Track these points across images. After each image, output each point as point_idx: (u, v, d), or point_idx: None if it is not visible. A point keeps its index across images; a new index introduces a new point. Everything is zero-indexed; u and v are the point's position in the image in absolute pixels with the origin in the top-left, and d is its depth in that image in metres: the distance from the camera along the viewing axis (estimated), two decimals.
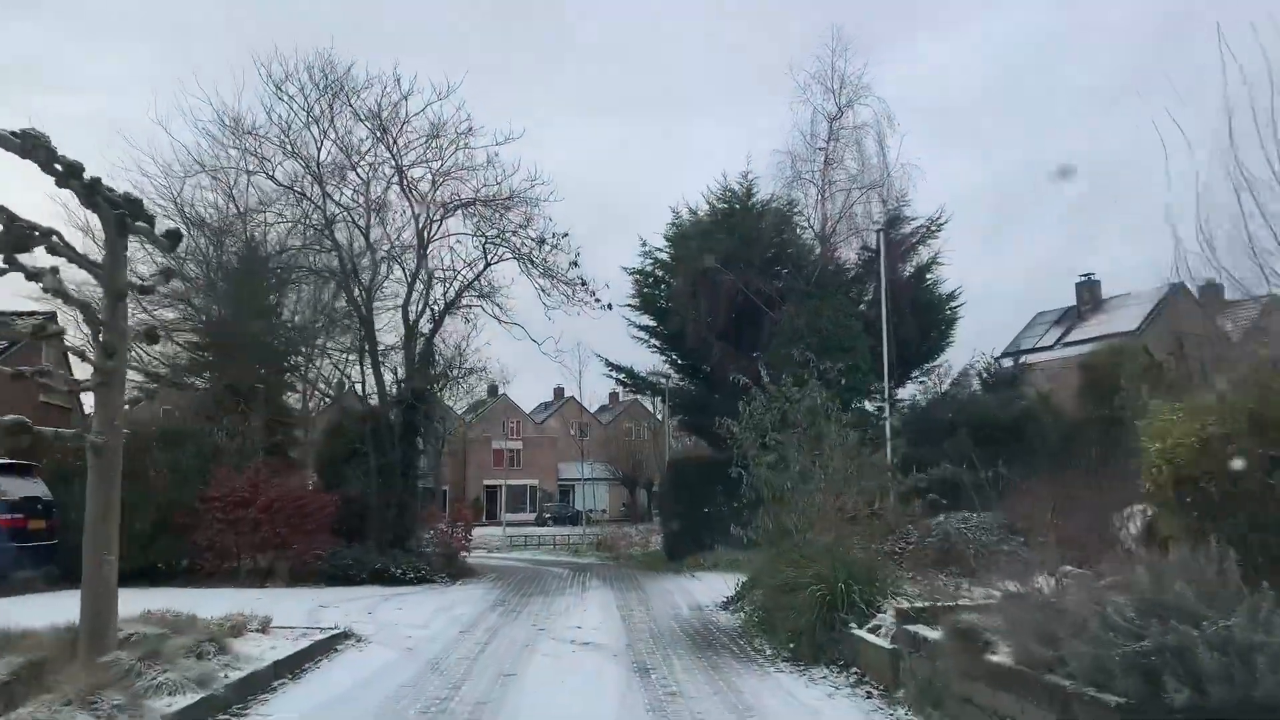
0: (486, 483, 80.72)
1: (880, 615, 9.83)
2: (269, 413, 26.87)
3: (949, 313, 29.06)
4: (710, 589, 18.29)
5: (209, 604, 11.65)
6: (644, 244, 30.98)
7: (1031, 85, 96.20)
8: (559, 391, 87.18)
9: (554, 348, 22.20)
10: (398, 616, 14.42)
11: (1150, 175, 28.68)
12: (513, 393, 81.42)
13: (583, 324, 74.66)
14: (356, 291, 23.40)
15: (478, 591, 18.77)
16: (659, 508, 28.01)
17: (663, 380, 29.40)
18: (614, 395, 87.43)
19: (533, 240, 23.15)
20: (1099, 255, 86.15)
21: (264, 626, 10.76)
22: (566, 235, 22.95)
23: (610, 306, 24.32)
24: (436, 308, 24.02)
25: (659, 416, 78.58)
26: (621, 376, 31.98)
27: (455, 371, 23.53)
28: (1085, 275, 46.62)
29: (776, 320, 26.54)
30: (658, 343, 31.21)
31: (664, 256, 30.51)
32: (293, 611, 14.24)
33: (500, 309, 24.72)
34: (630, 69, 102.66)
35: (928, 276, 29.34)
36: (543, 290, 24.41)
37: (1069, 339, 43.19)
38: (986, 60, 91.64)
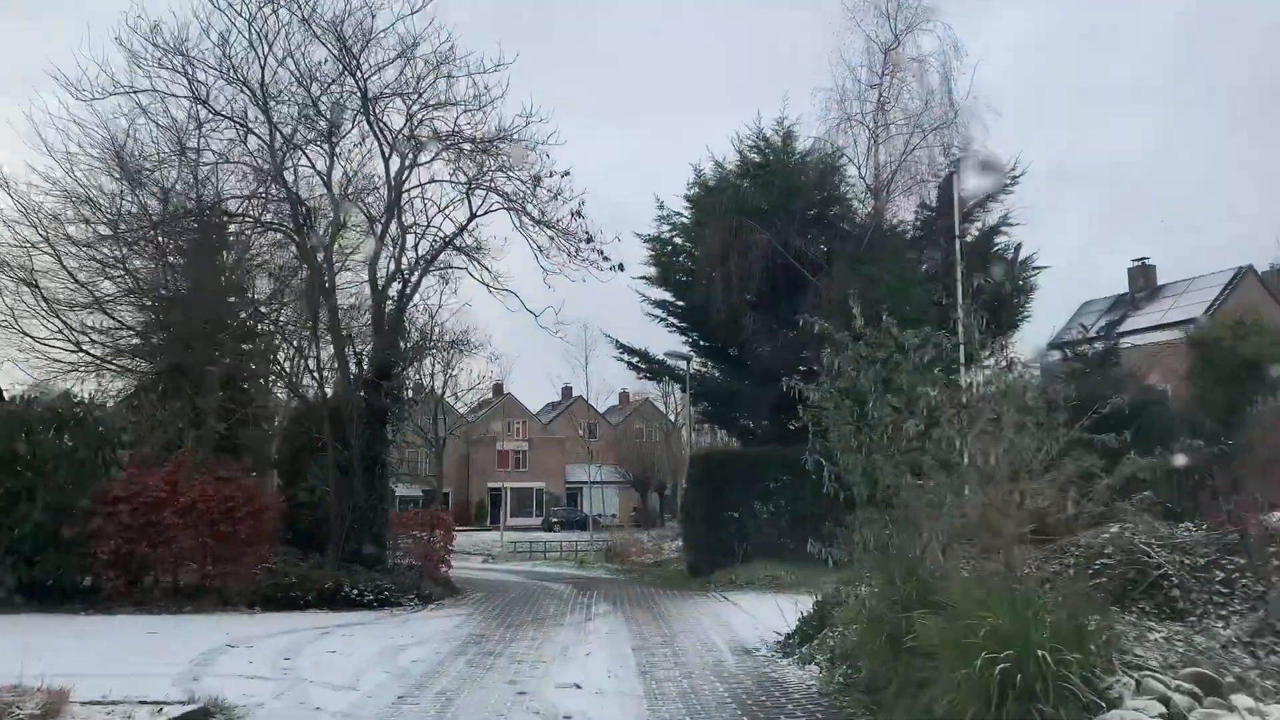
0: (490, 485, 76.91)
1: (1119, 707, 5.46)
2: (226, 399, 22.76)
3: (1025, 282, 24.60)
4: (754, 619, 13.98)
5: (65, 646, 7.57)
6: (660, 206, 26.69)
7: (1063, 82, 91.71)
8: (567, 391, 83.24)
9: (554, 320, 17.83)
10: (322, 667, 10.11)
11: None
12: (519, 392, 77.71)
13: (589, 298, 70.07)
14: (314, 247, 19.18)
15: (449, 623, 14.44)
16: (683, 512, 23.52)
17: (683, 364, 24.97)
18: (624, 395, 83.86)
19: (526, 183, 18.85)
20: (1134, 246, 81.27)
21: (50, 710, 6.44)
22: (568, 174, 18.64)
23: (621, 267, 19.99)
24: (410, 267, 19.76)
25: (673, 417, 74.37)
26: (635, 360, 27.62)
27: (431, 343, 19.21)
28: (1139, 259, 41.63)
29: (821, 289, 22.14)
30: (677, 321, 26.89)
31: (685, 219, 26.16)
32: (175, 657, 10.06)
33: (489, 273, 20.44)
34: (642, 69, 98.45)
35: (996, 240, 24.92)
36: (539, 250, 20.10)
37: (1130, 326, 38.52)
38: (1033, 39, 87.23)
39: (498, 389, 77.48)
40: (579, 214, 19.18)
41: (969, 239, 24.35)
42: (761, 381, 23.81)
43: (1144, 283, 41.48)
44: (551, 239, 19.49)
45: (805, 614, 11.77)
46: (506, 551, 36.14)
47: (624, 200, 43.69)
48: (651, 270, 27.18)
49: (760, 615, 14.52)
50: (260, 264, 22.37)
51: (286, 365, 22.49)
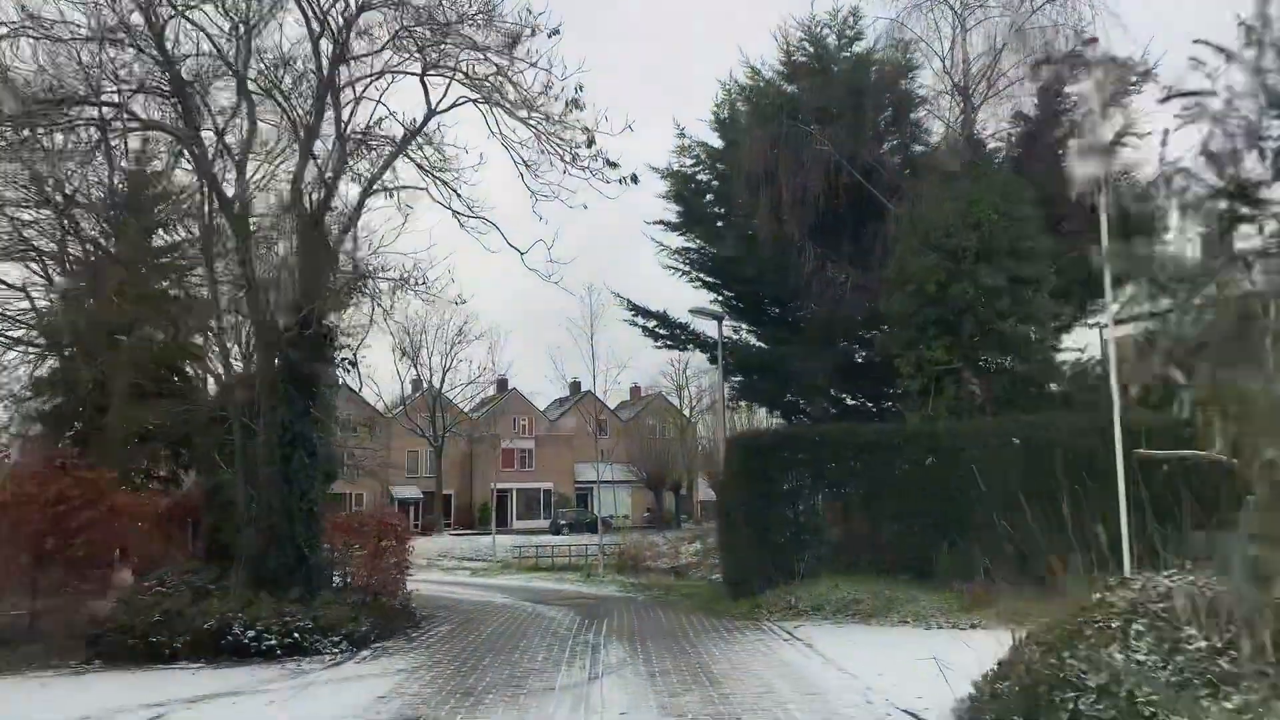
0: (496, 486, 72.14)
1: None
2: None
3: (1154, 210, 19.13)
4: (853, 676, 8.92)
5: None
6: (681, 132, 21.39)
7: None
8: (575, 385, 78.41)
9: (546, 261, 12.25)
10: None
11: None
12: (524, 387, 73.10)
13: (594, 255, 64.05)
14: (211, 158, 13.99)
15: (374, 689, 9.12)
16: (719, 513, 18.07)
17: (712, 325, 19.44)
18: (635, 389, 79.33)
19: (500, 55, 13.57)
20: None
21: None
22: (557, 33, 13.24)
23: (635, 179, 14.51)
24: (368, 184, 14.54)
25: (688, 412, 69.32)
26: (652, 325, 22.26)
27: (372, 281, 13.90)
28: None
29: (901, 216, 16.78)
30: (704, 275, 21.57)
31: (713, 146, 20.83)
32: None
33: (458, 197, 15.21)
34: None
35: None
36: (525, 165, 14.83)
37: None
38: None
39: (502, 384, 72.97)
40: (576, 101, 13.87)
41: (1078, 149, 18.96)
42: (818, 343, 18.50)
43: None
44: (539, 137, 14.21)
45: (990, 673, 6.50)
46: (499, 563, 30.79)
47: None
48: (670, 216, 21.92)
49: (859, 668, 9.30)
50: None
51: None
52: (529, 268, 15.46)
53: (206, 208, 13.94)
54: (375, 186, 14.91)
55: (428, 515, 67.89)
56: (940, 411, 16.05)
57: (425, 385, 66.73)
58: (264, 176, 15.46)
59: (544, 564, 32.63)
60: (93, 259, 18.28)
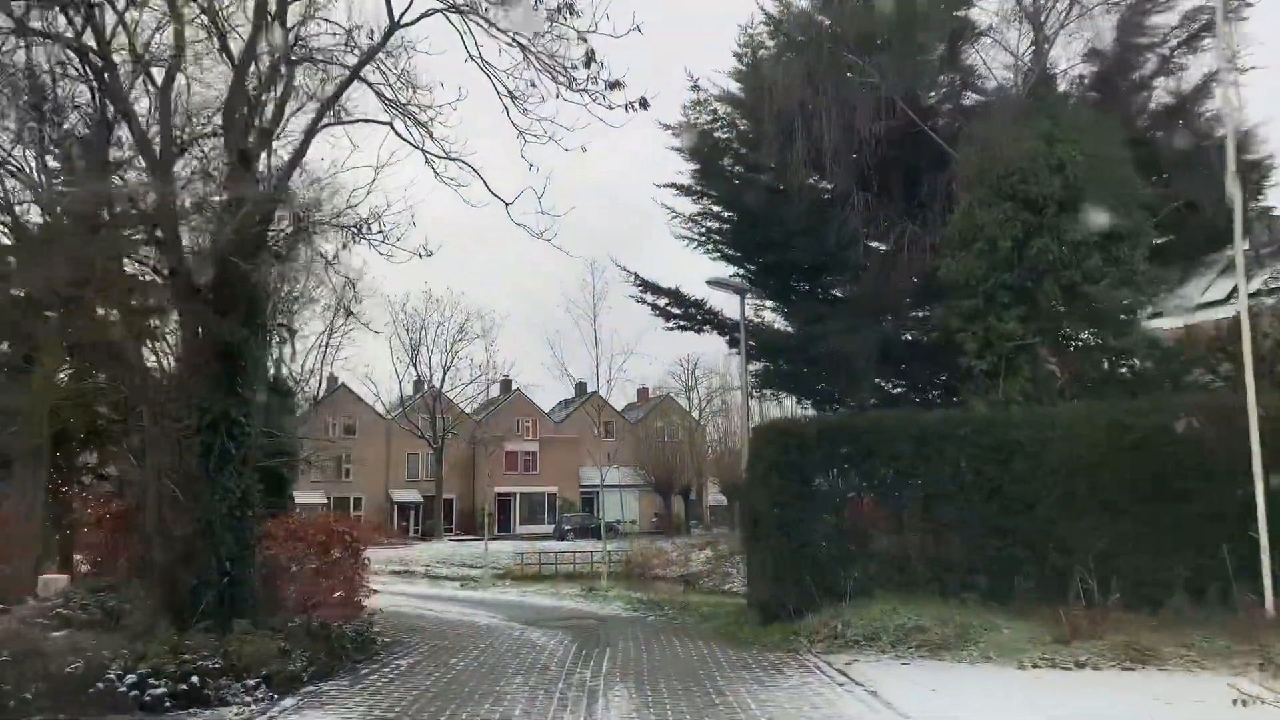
0: (498, 490, 70.00)
1: None
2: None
3: (1263, 160, 16.36)
4: None
5: None
6: (694, 84, 18.62)
7: None
8: (580, 387, 76.02)
9: (538, 218, 9.29)
10: None
11: None
12: (523, 379, 70.96)
13: (600, 232, 61.11)
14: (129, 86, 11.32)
15: None
16: (744, 518, 15.12)
17: (735, 295, 16.58)
18: (642, 391, 77.29)
19: None
20: None
21: None
22: None
23: (645, 103, 11.73)
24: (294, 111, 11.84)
25: (696, 414, 66.58)
26: (664, 303, 19.49)
27: (315, 230, 11.06)
28: None
29: (963, 163, 13.98)
30: (724, 244, 18.81)
31: (736, 94, 18.07)
32: None
33: (429, 134, 12.45)
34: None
35: (1200, 109, 16.70)
36: (511, 97, 12.08)
37: None
38: None
39: (505, 385, 70.79)
40: (569, 7, 11.10)
41: (1157, 106, 16.21)
42: (865, 317, 15.71)
43: None
44: (526, 55, 11.47)
45: None
46: (496, 571, 28.08)
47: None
48: (683, 179, 19.18)
49: None
50: None
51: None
52: (516, 222, 12.72)
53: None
54: (326, 120, 12.20)
55: (428, 520, 65.63)
56: (1011, 396, 13.27)
57: (425, 386, 64.43)
58: (190, 106, 12.69)
59: (547, 572, 30.23)
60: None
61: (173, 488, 10.72)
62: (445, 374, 64.07)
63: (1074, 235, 12.36)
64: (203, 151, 11.72)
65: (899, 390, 17.98)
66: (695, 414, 68.38)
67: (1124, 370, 13.14)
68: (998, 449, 12.11)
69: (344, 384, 62.30)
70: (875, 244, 14.99)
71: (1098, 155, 12.80)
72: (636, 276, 19.32)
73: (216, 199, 10.76)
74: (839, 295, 17.38)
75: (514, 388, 71.89)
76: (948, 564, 12.35)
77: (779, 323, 19.52)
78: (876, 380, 17.30)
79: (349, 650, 11.08)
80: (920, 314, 16.50)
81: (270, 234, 10.83)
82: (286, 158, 12.02)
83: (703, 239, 18.83)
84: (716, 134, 18.88)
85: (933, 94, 15.40)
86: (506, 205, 12.65)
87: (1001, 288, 13.07)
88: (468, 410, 66.61)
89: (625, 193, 74.14)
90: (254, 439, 11.37)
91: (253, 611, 10.73)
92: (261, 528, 12.01)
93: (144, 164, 11.21)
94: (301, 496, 56.42)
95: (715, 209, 18.80)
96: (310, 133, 12.04)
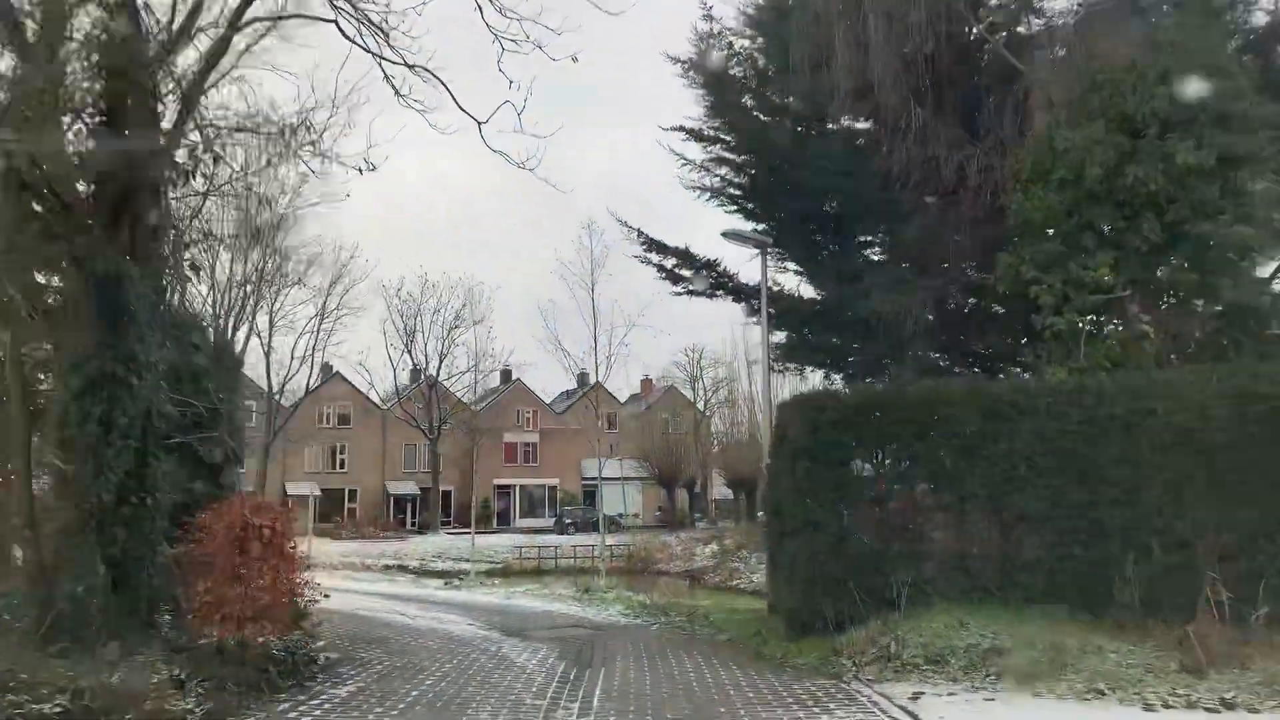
0: (497, 483, 68.24)
1: None
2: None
3: None
4: None
5: None
6: (707, 15, 16.16)
7: None
8: (582, 378, 73.82)
9: (523, 150, 6.86)
10: None
11: None
12: (528, 380, 68.66)
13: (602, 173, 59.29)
14: None
15: None
16: (768, 510, 12.50)
17: (754, 250, 14.13)
18: (646, 381, 75.23)
19: None
20: None
21: None
22: None
23: None
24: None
25: (701, 404, 64.26)
26: (672, 264, 17.06)
27: (218, 128, 8.70)
28: None
29: (1038, 83, 11.52)
30: (742, 196, 16.37)
31: (757, 16, 15.60)
32: None
33: (385, 38, 10.08)
34: None
35: None
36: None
37: None
38: None
39: (505, 375, 68.83)
40: None
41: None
42: (911, 272, 13.28)
43: None
44: None
45: None
46: (487, 566, 25.81)
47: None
48: (691, 122, 16.76)
49: None
50: None
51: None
52: (493, 150, 10.56)
53: None
54: (253, 14, 9.78)
55: (425, 512, 63.72)
56: (1098, 360, 10.86)
57: (421, 375, 62.29)
58: None
59: (546, 567, 28.48)
60: None
61: (56, 469, 8.42)
62: (441, 362, 61.78)
63: (1188, 159, 9.91)
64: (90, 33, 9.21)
65: (946, 364, 15.60)
66: (700, 405, 66.61)
67: (1236, 333, 10.71)
68: (1089, 423, 9.71)
69: (338, 372, 60.16)
70: (925, 185, 12.59)
71: (1210, 65, 10.36)
72: (640, 233, 16.97)
73: (98, 88, 8.33)
74: (876, 255, 14.95)
75: (514, 377, 69.91)
76: (1024, 565, 9.97)
77: (803, 289, 17.14)
78: (921, 350, 14.86)
79: (272, 676, 8.70)
80: (971, 270, 14.02)
81: (166, 137, 8.42)
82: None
83: (715, 190, 16.44)
84: (733, 69, 16.46)
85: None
86: (480, 124, 10.44)
87: (1086, 227, 10.65)
88: (466, 400, 64.48)
89: (624, 180, 71.98)
90: (156, 407, 8.98)
91: (145, 627, 8.37)
92: (195, 520, 9.65)
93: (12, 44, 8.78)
94: (293, 488, 54.39)
95: (729, 156, 16.38)
96: (233, 26, 9.64)
